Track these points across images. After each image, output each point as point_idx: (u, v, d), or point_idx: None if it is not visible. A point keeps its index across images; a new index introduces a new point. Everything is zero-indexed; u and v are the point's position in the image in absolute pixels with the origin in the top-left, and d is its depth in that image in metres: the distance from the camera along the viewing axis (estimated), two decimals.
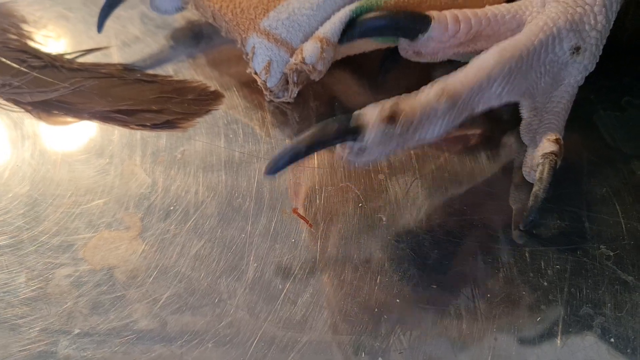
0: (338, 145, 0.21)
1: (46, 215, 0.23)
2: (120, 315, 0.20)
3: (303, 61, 0.25)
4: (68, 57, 0.28)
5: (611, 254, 0.22)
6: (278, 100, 0.27)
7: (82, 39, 0.29)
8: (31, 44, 0.28)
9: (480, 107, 0.23)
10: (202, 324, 0.20)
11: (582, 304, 0.21)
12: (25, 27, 0.29)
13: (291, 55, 0.25)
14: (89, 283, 0.21)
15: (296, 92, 0.26)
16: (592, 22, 0.24)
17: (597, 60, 0.25)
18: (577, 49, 0.24)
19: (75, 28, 0.30)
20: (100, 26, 0.28)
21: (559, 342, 0.20)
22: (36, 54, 0.28)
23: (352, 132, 0.20)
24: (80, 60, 0.28)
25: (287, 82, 0.26)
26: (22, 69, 0.27)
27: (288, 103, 0.27)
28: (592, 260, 0.22)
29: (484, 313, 0.21)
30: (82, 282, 0.21)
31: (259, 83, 0.26)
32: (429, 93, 0.22)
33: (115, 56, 0.28)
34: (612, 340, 0.20)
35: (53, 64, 0.27)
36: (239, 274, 0.21)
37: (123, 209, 0.23)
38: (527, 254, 0.22)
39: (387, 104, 0.21)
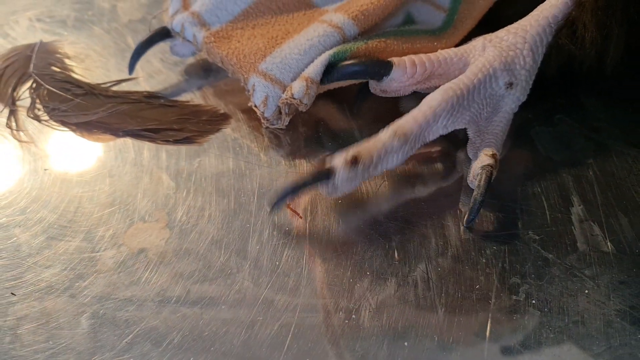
0: (319, 184, 0.27)
1: (92, 212, 0.29)
2: (153, 286, 0.26)
3: (292, 96, 0.30)
4: (104, 86, 0.34)
5: (537, 237, 0.28)
6: (273, 127, 0.32)
7: (114, 71, 0.35)
8: (73, 75, 0.35)
9: (431, 138, 0.29)
10: (216, 291, 0.26)
11: (511, 276, 0.27)
12: (67, 61, 0.36)
13: (283, 91, 0.31)
14: (128, 262, 0.27)
15: (287, 121, 0.32)
16: (522, 62, 0.30)
17: (528, 92, 0.31)
18: (510, 84, 0.30)
19: (108, 62, 0.36)
20: (131, 69, 0.34)
21: (492, 303, 0.26)
22: (78, 84, 0.34)
23: (325, 176, 0.27)
24: (114, 88, 0.34)
25: (280, 113, 0.31)
26: (67, 96, 0.33)
27: (281, 129, 0.32)
28: (521, 243, 0.28)
29: (435, 282, 0.26)
30: (122, 261, 0.27)
31: (258, 113, 0.32)
32: (384, 135, 0.27)
33: (142, 85, 0.35)
34: (534, 302, 0.26)
35: (92, 91, 0.34)
36: (245, 254, 0.27)
37: (153, 205, 0.29)
38: (470, 239, 0.28)
39: (349, 151, 0.27)
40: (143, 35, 0.35)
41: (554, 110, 0.34)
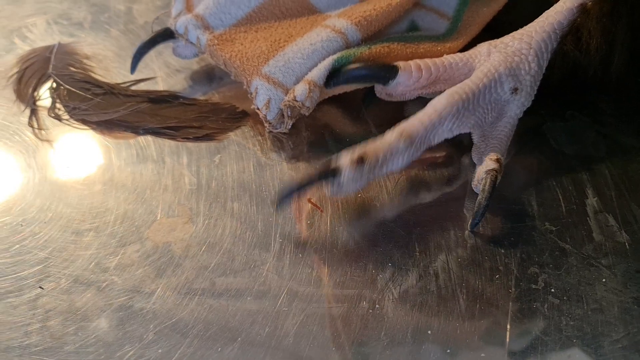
0: (325, 182, 0.27)
1: (116, 208, 0.29)
2: (178, 279, 0.27)
3: (295, 99, 0.30)
4: (123, 85, 0.35)
5: (553, 228, 0.29)
6: (276, 131, 0.32)
7: None
8: (92, 75, 0.35)
9: (436, 141, 0.29)
10: (242, 283, 0.26)
11: (530, 265, 0.27)
12: (86, 62, 0.36)
13: (286, 94, 0.31)
14: (153, 255, 0.27)
15: (290, 124, 0.32)
16: (527, 68, 0.30)
17: (532, 99, 0.31)
18: (515, 90, 0.30)
19: (125, 63, 0.36)
20: (133, 69, 0.34)
21: (512, 292, 0.26)
22: (97, 84, 0.34)
23: (332, 174, 0.27)
24: (133, 88, 0.35)
25: (283, 116, 0.31)
26: (87, 95, 0.34)
27: (284, 133, 0.33)
28: (538, 234, 0.29)
29: (456, 273, 0.27)
30: (148, 255, 0.27)
31: (260, 116, 0.32)
32: (390, 136, 0.28)
33: (160, 85, 0.35)
34: (552, 290, 0.27)
35: (112, 91, 0.34)
36: (268, 247, 0.28)
37: (176, 201, 0.29)
38: (489, 230, 0.29)
39: (356, 151, 0.27)
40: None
41: (565, 106, 0.35)
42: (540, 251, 0.28)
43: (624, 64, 0.34)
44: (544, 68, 0.31)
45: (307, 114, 0.31)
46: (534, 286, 0.27)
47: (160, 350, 0.24)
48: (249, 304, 0.26)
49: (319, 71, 0.30)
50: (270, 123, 0.32)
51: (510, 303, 0.26)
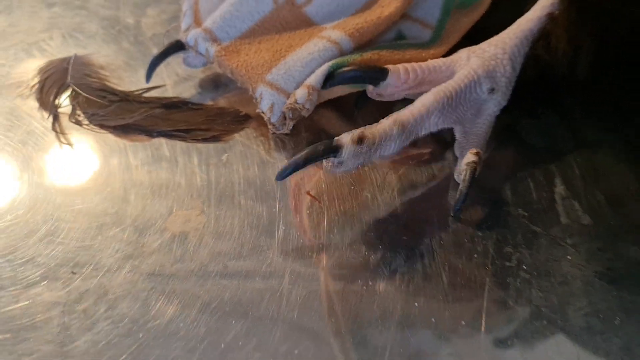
0: (324, 160, 0.31)
1: (137, 202, 0.33)
2: (195, 263, 0.30)
3: (296, 102, 0.34)
4: (136, 93, 0.38)
5: (526, 213, 0.32)
6: (279, 132, 0.36)
7: (144, 80, 0.39)
8: (108, 84, 0.39)
9: (423, 132, 0.32)
10: (250, 266, 0.30)
11: (504, 246, 0.31)
12: (101, 72, 0.39)
13: (287, 99, 0.34)
14: (172, 244, 0.31)
15: (292, 126, 0.35)
16: (503, 71, 0.34)
17: (508, 98, 0.35)
18: (492, 90, 0.34)
19: (137, 72, 0.40)
20: (148, 78, 0.38)
21: (489, 269, 0.30)
22: (113, 92, 0.38)
23: (334, 151, 0.30)
24: (146, 95, 0.38)
25: (285, 119, 0.35)
26: (104, 102, 0.37)
27: (286, 134, 0.36)
28: (512, 218, 0.32)
29: (439, 253, 0.31)
30: (167, 243, 0.31)
31: (265, 119, 0.35)
32: (385, 123, 0.31)
33: (170, 92, 0.39)
34: (524, 267, 0.30)
35: (126, 98, 0.37)
36: (273, 234, 0.31)
37: (189, 195, 0.33)
38: (469, 216, 0.32)
39: (356, 131, 0.31)
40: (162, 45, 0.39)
41: (537, 105, 0.38)
42: (513, 233, 0.32)
43: (588, 66, 0.37)
44: (518, 70, 0.35)
45: (306, 115, 0.34)
46: (508, 263, 0.30)
47: (182, 324, 0.28)
48: (258, 283, 0.29)
49: (317, 76, 0.34)
50: (273, 125, 0.35)
51: (487, 278, 0.30)
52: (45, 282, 0.29)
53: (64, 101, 0.38)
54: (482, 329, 0.28)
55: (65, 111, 0.37)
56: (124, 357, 0.27)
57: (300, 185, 0.34)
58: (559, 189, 0.34)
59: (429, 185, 0.34)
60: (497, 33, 0.35)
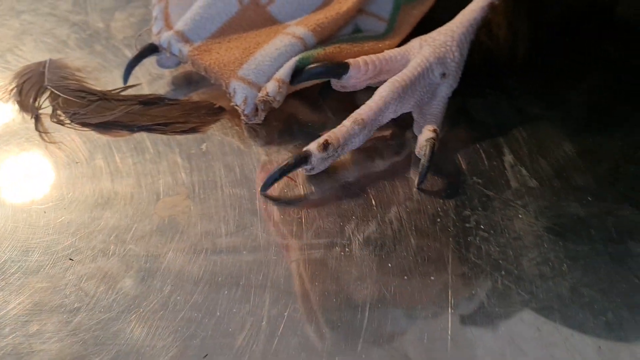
0: (298, 167, 0.34)
1: (125, 192, 0.35)
2: (185, 242, 0.33)
3: (267, 95, 0.37)
4: (114, 92, 0.40)
5: (480, 181, 0.36)
6: (251, 122, 0.39)
7: (119, 80, 0.41)
8: (85, 85, 0.41)
9: (384, 120, 0.36)
10: (237, 242, 0.33)
11: (463, 210, 0.35)
12: (78, 74, 0.41)
13: (259, 92, 0.37)
14: (162, 227, 0.33)
15: (263, 116, 0.38)
16: (452, 56, 0.38)
17: (458, 81, 0.39)
18: (444, 74, 0.38)
19: (112, 73, 0.42)
20: (125, 80, 0.40)
21: (451, 230, 0.34)
22: (91, 92, 0.40)
23: (304, 161, 0.34)
24: (123, 93, 0.40)
25: (258, 110, 0.38)
26: (83, 102, 0.39)
27: (258, 124, 0.39)
28: (468, 186, 0.36)
29: (406, 219, 0.34)
30: (157, 227, 0.33)
31: (239, 111, 0.38)
32: (347, 124, 0.35)
33: (146, 89, 0.41)
34: (482, 226, 0.34)
35: (105, 97, 0.40)
36: (255, 212, 0.34)
37: (174, 182, 0.35)
38: (430, 186, 0.36)
39: (321, 139, 0.34)
40: (139, 49, 0.41)
41: (483, 86, 0.42)
42: (470, 199, 0.35)
43: (526, 49, 0.42)
44: (465, 56, 0.39)
45: (277, 106, 0.37)
46: (467, 225, 0.34)
47: (179, 297, 0.30)
48: (245, 257, 0.32)
49: (285, 70, 0.37)
50: (247, 116, 0.38)
51: (450, 239, 0.33)
52: (46, 268, 0.31)
53: (44, 103, 0.39)
54: (449, 281, 0.31)
55: (46, 112, 0.39)
56: (127, 330, 0.29)
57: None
58: (508, 158, 0.38)
59: (393, 161, 0.38)
60: (444, 23, 0.39)
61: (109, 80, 0.41)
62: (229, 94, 0.38)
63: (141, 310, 0.30)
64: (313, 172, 0.35)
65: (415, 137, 0.38)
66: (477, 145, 0.38)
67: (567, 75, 0.44)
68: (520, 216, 0.35)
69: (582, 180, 0.36)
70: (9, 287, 0.31)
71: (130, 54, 0.43)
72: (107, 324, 0.29)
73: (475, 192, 0.36)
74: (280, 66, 0.38)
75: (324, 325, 0.29)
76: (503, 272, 0.32)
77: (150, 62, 0.42)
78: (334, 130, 0.35)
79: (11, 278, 0.31)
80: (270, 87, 0.37)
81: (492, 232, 0.34)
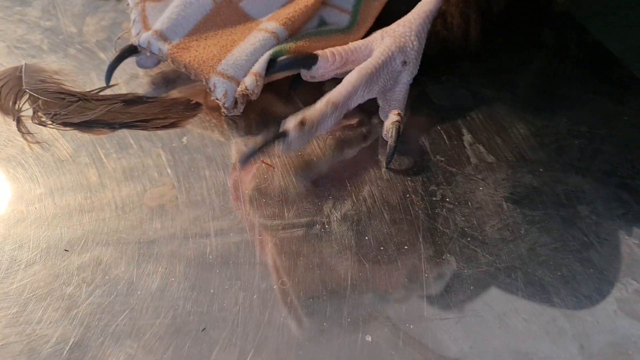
0: (276, 143, 0.36)
1: (112, 186, 0.37)
2: (175, 228, 0.35)
3: (246, 88, 0.39)
4: (93, 92, 0.42)
5: (443, 159, 0.40)
6: (231, 114, 0.41)
7: (96, 81, 0.43)
8: (64, 87, 0.42)
9: (353, 105, 0.39)
10: (224, 225, 0.35)
11: (430, 185, 0.38)
12: (56, 77, 0.43)
13: (238, 85, 0.40)
14: (152, 216, 0.35)
15: (242, 108, 0.41)
16: (411, 45, 0.41)
17: (418, 68, 0.42)
18: (404, 62, 0.41)
19: (89, 74, 0.43)
20: (107, 80, 0.42)
21: (419, 204, 0.37)
22: (70, 93, 0.41)
23: (282, 136, 0.36)
24: (101, 93, 0.42)
25: (237, 103, 0.40)
26: (64, 103, 0.41)
27: (237, 116, 0.41)
28: (433, 164, 0.39)
29: (378, 197, 0.37)
30: (147, 216, 0.35)
31: (220, 105, 0.40)
32: (320, 104, 0.37)
33: (123, 89, 0.43)
34: (447, 199, 0.37)
35: (84, 97, 0.41)
36: (239, 197, 0.36)
37: (159, 174, 0.37)
38: (397, 166, 0.39)
39: (298, 116, 0.36)
40: (112, 51, 0.43)
41: (440, 73, 0.46)
42: (435, 175, 0.39)
43: (477, 36, 0.45)
44: (423, 45, 0.42)
45: (255, 98, 0.40)
46: (434, 198, 0.37)
47: (172, 279, 0.32)
48: (233, 238, 0.34)
49: (260, 64, 0.39)
50: (227, 109, 0.40)
51: (420, 211, 0.36)
52: (42, 260, 0.33)
53: (24, 105, 0.41)
54: (422, 249, 0.35)
55: (27, 115, 0.40)
56: (125, 313, 0.31)
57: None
58: (466, 137, 0.41)
59: (362, 145, 0.41)
60: (403, 15, 0.42)
61: (86, 82, 0.43)
62: (209, 88, 0.40)
63: (139, 292, 0.32)
64: (290, 149, 0.37)
65: (381, 123, 0.41)
66: (438, 127, 0.42)
67: (515, 61, 0.48)
68: (480, 188, 0.38)
69: (533, 154, 0.40)
70: (5, 281, 0.32)
71: (104, 56, 0.45)
72: (107, 307, 0.31)
73: (439, 169, 0.39)
74: (256, 60, 0.40)
75: (311, 294, 0.32)
76: (469, 238, 0.35)
77: (126, 63, 0.44)
78: (309, 110, 0.37)
79: (8, 272, 0.32)
80: (248, 81, 0.39)
81: (456, 203, 0.37)
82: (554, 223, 0.36)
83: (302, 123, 0.36)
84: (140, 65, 0.42)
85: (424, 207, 0.37)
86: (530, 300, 0.33)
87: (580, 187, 0.38)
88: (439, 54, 0.44)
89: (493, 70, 0.47)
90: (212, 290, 0.32)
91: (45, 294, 0.32)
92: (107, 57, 0.44)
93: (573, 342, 0.31)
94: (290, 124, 0.36)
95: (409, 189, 0.38)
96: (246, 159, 0.36)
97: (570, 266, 0.34)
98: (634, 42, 0.50)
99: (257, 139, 0.39)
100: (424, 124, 0.42)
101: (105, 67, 0.43)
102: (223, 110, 0.40)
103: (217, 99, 0.40)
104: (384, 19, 0.44)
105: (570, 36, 0.50)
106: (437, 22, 0.43)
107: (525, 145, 0.41)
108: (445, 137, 0.41)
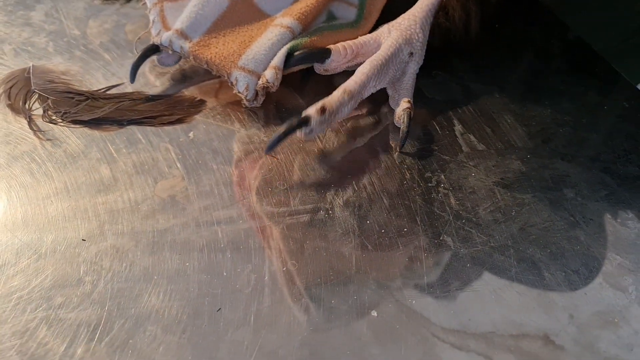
0: (298, 130, 0.38)
1: (124, 179, 0.38)
2: (187, 217, 0.36)
3: (267, 81, 0.41)
4: (100, 91, 0.44)
5: (436, 148, 0.42)
6: (252, 106, 0.43)
7: (103, 81, 0.45)
8: (71, 86, 0.44)
9: (366, 94, 0.41)
10: (232, 213, 0.37)
11: (425, 172, 0.40)
12: (64, 77, 0.44)
13: (258, 79, 0.42)
14: (164, 207, 0.37)
15: (262, 100, 0.43)
16: (417, 37, 0.43)
17: (424, 58, 0.44)
18: (411, 54, 0.43)
19: (95, 75, 0.45)
20: (132, 78, 0.43)
21: (416, 189, 0.39)
22: (78, 92, 0.43)
23: (304, 123, 0.38)
24: (109, 92, 0.44)
25: (257, 95, 0.42)
26: (73, 102, 0.42)
27: (257, 107, 0.43)
28: (427, 153, 0.41)
29: (377, 184, 0.39)
30: (159, 206, 0.37)
31: (241, 98, 0.42)
32: (337, 93, 0.40)
33: (129, 88, 0.44)
34: (442, 185, 0.39)
35: (92, 96, 0.43)
36: (246, 187, 0.38)
37: (169, 167, 0.39)
38: (395, 157, 0.41)
39: (319, 104, 0.38)
40: (117, 52, 0.45)
41: (432, 68, 0.48)
42: (430, 163, 0.41)
43: (477, 27, 0.48)
44: (427, 36, 0.45)
45: (274, 90, 0.42)
46: (430, 184, 0.39)
47: (187, 263, 0.34)
48: (242, 225, 0.36)
49: (279, 58, 0.41)
50: (248, 101, 0.42)
51: (417, 196, 0.39)
52: (61, 249, 0.35)
53: (34, 105, 0.42)
54: (420, 231, 0.37)
55: (37, 114, 0.42)
56: (145, 296, 0.33)
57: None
58: (458, 127, 0.43)
59: (371, 134, 0.43)
60: (407, 9, 0.45)
61: (92, 82, 0.45)
62: (231, 82, 0.42)
63: (155, 277, 0.34)
64: (311, 135, 0.39)
65: (390, 111, 0.43)
66: (431, 119, 0.44)
67: (502, 57, 0.50)
68: (473, 174, 0.40)
69: (521, 142, 0.43)
70: (27, 269, 0.34)
71: (109, 57, 0.46)
72: (125, 292, 0.33)
73: (434, 157, 0.41)
74: (274, 55, 0.42)
75: (318, 275, 0.34)
76: (464, 220, 0.38)
77: (130, 63, 0.45)
78: (328, 98, 0.39)
79: (29, 261, 0.34)
80: (269, 74, 0.41)
81: (451, 189, 0.39)
82: (543, 205, 0.39)
83: (323, 109, 0.38)
84: (161, 63, 0.44)
85: (421, 192, 0.39)
86: (523, 275, 0.35)
87: (566, 171, 0.41)
88: (442, 45, 0.46)
89: (482, 66, 0.49)
90: (225, 274, 0.34)
91: (66, 280, 0.33)
92: (112, 58, 0.46)
93: (563, 313, 0.33)
94: (312, 110, 0.38)
95: (407, 176, 0.40)
96: (271, 146, 0.38)
97: (558, 244, 0.36)
98: (612, 39, 0.53)
99: (263, 142, 0.41)
100: (418, 116, 0.44)
101: (111, 68, 0.44)
102: (244, 102, 0.42)
103: (239, 92, 0.42)
104: (389, 13, 0.47)
105: (555, 33, 0.53)
106: (440, 15, 0.45)
107: (513, 134, 0.43)
108: (437, 127, 0.43)
